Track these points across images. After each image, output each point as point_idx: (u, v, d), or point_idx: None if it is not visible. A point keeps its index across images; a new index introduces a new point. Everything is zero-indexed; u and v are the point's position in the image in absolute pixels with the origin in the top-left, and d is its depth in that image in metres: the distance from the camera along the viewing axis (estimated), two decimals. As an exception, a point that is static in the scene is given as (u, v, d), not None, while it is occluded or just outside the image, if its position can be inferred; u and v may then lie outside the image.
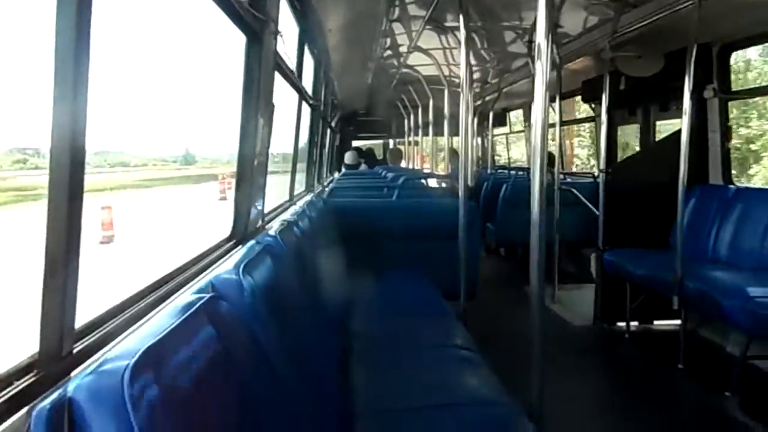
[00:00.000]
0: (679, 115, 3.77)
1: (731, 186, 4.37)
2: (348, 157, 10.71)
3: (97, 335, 1.25)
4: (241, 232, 2.55)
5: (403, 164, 11.68)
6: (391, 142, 13.92)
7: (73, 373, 1.11)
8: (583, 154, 14.56)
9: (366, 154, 12.57)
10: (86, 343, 1.20)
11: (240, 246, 2.22)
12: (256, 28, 2.49)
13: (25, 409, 0.96)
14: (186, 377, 1.01)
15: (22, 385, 1.02)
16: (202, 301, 1.19)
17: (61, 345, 1.12)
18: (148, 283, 1.59)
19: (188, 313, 1.13)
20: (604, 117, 4.81)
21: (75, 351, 1.16)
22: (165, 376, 0.94)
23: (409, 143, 12.23)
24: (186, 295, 1.31)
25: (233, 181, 2.66)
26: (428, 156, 12.83)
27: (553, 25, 3.00)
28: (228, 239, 2.48)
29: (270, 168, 3.05)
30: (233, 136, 2.62)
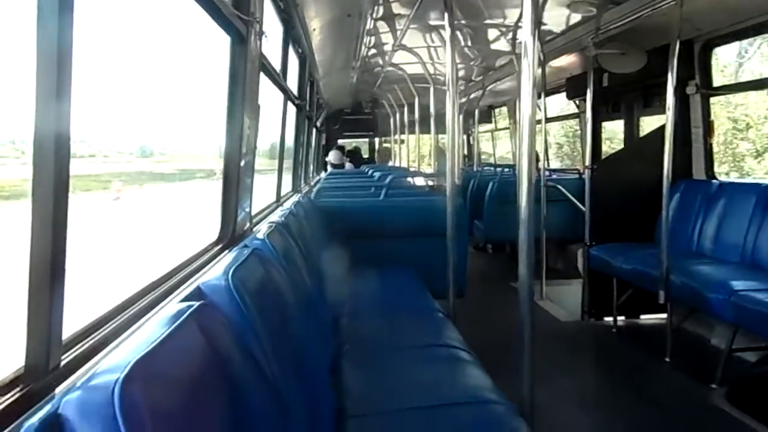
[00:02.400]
0: (663, 111, 3.80)
1: (714, 181, 4.43)
2: (332, 156, 10.53)
3: (85, 346, 1.22)
4: (228, 236, 2.52)
5: (390, 163, 11.71)
6: (377, 140, 13.90)
7: (61, 387, 1.08)
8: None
9: (352, 153, 12.52)
10: (74, 355, 1.18)
11: (228, 250, 2.20)
12: (241, 29, 2.46)
13: (11, 426, 0.93)
14: (177, 388, 1.00)
15: (8, 401, 1.00)
16: (191, 309, 1.17)
17: (48, 358, 1.09)
18: (136, 291, 1.57)
19: (178, 322, 1.11)
20: (588, 113, 4.84)
21: (62, 364, 1.14)
22: (156, 388, 0.92)
23: (395, 142, 12.23)
24: (174, 303, 1.29)
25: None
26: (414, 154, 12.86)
27: (537, 23, 3.01)
28: (215, 243, 2.45)
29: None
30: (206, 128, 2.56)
